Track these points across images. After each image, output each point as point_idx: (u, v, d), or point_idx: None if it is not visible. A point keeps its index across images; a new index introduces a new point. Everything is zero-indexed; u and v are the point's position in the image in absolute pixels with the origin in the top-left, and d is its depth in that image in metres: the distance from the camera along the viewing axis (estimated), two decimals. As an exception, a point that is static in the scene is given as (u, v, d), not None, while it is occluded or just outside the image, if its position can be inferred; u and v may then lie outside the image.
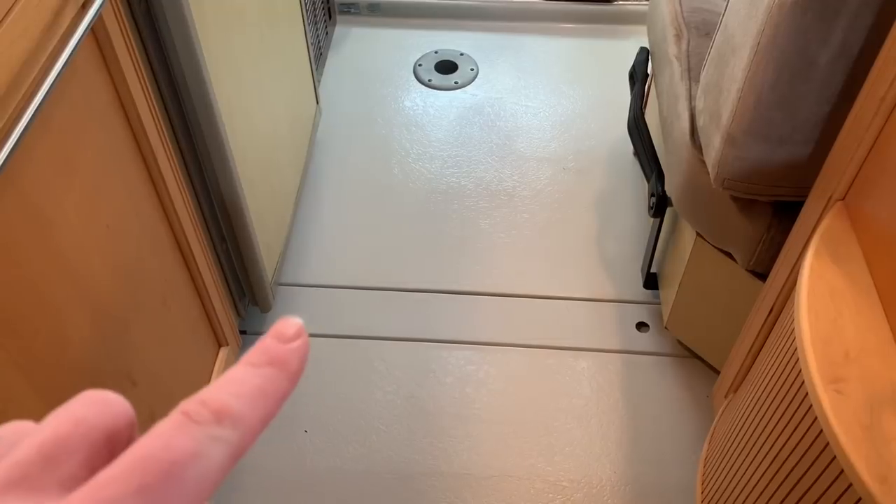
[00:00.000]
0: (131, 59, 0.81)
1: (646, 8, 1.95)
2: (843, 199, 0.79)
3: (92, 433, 0.21)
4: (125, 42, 0.79)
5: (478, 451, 1.20)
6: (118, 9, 0.77)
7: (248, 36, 1.11)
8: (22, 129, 0.60)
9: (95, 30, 0.75)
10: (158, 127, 0.89)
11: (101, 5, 0.70)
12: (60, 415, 0.21)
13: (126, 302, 0.85)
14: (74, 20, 0.70)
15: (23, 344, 0.67)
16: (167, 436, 0.19)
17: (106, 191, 0.80)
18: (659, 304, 1.38)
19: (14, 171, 0.64)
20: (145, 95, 0.85)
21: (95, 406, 0.21)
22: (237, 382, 0.21)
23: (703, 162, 1.00)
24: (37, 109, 0.62)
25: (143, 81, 0.84)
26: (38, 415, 0.65)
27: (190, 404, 0.20)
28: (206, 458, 0.19)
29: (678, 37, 1.15)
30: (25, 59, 0.64)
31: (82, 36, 0.68)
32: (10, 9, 0.62)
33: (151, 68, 0.88)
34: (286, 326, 0.22)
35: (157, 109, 0.88)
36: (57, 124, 0.70)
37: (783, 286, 0.91)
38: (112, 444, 0.21)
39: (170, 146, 0.93)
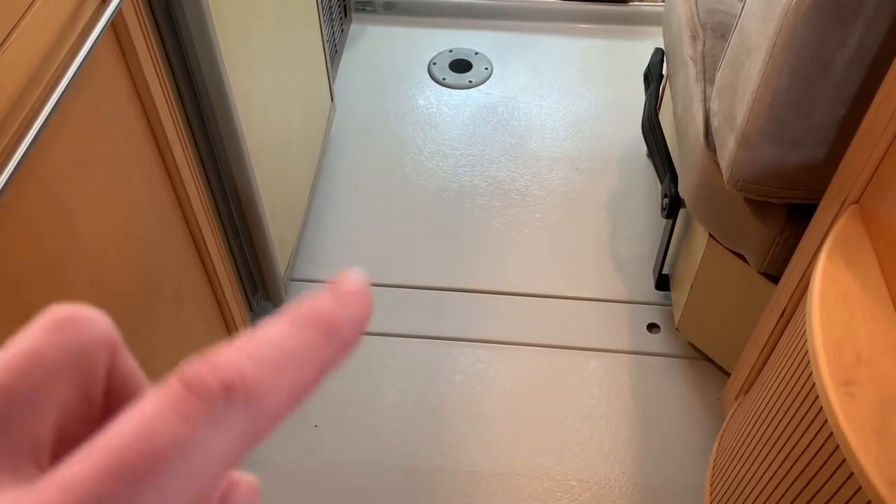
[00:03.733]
0: (150, 53, 0.82)
1: (661, 9, 1.95)
2: (857, 202, 0.78)
3: (56, 373, 0.16)
4: (144, 37, 0.80)
5: (487, 449, 1.20)
6: (138, 3, 0.78)
7: (265, 32, 1.12)
8: (43, 120, 0.61)
9: (115, 24, 0.76)
10: (175, 121, 0.90)
11: (121, 0, 0.71)
12: (12, 348, 0.16)
13: (141, 293, 0.86)
14: (95, 14, 0.71)
15: (40, 333, 0.68)
16: (154, 418, 0.14)
17: (123, 183, 0.81)
18: (670, 305, 1.38)
19: (34, 162, 0.65)
20: (163, 90, 0.86)
21: (59, 332, 0.16)
22: (266, 342, 0.15)
23: (717, 163, 0.99)
24: (57, 102, 0.63)
25: (160, 76, 0.85)
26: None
27: (194, 368, 0.15)
28: (205, 448, 0.14)
29: (694, 38, 1.15)
30: (46, 52, 0.65)
31: (102, 30, 0.68)
32: (33, 2, 0.63)
33: (169, 63, 0.89)
34: (347, 280, 0.17)
35: (174, 104, 0.89)
36: (76, 117, 0.71)
37: (795, 289, 0.91)
38: (86, 384, 0.16)
39: (186, 140, 0.93)
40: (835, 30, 0.75)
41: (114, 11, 0.70)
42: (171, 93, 0.88)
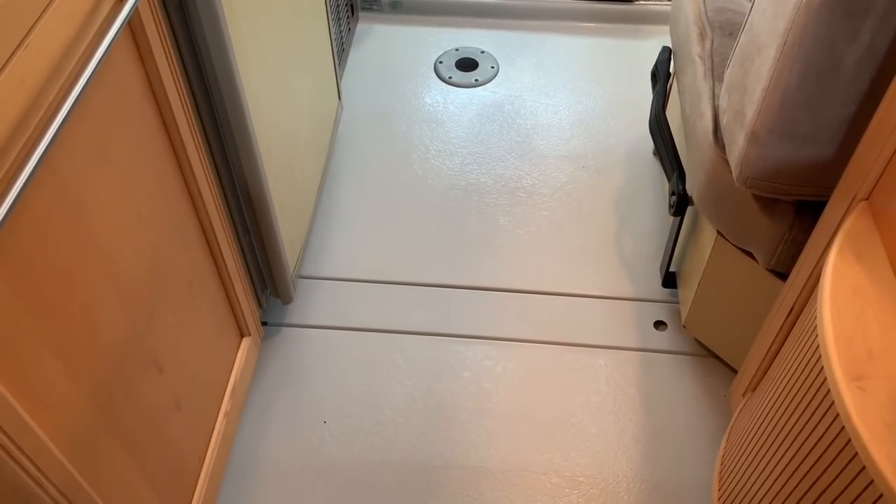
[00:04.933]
0: (164, 52, 0.82)
1: (667, 8, 1.95)
2: (867, 198, 0.79)
3: None
4: (159, 36, 0.81)
5: (495, 445, 1.21)
6: (153, 2, 0.79)
7: (276, 31, 1.13)
8: (62, 117, 0.61)
9: (131, 23, 0.76)
10: (188, 119, 0.90)
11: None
12: None
13: (154, 289, 0.87)
14: (111, 13, 0.72)
15: (58, 328, 0.68)
16: None
17: (138, 179, 0.81)
18: (677, 302, 1.38)
19: (53, 158, 0.66)
20: (177, 88, 0.86)
21: None
22: None
23: (726, 161, 1.00)
24: (76, 100, 0.63)
25: (175, 74, 0.86)
26: (71, 399, 0.67)
27: None
28: None
29: (702, 36, 1.15)
30: (64, 50, 0.65)
31: (119, 28, 0.69)
32: (51, 1, 0.63)
33: (183, 62, 0.90)
34: None
35: (187, 102, 0.90)
36: (93, 114, 0.72)
37: (804, 285, 0.91)
38: None
39: (199, 138, 0.94)
40: (846, 26, 0.76)
41: (130, 11, 0.71)
42: (184, 91, 0.89)
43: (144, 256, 0.84)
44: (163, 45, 0.82)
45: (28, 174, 0.57)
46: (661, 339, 1.34)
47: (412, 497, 1.15)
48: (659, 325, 1.36)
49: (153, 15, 0.79)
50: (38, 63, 0.62)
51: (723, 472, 1.05)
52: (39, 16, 0.62)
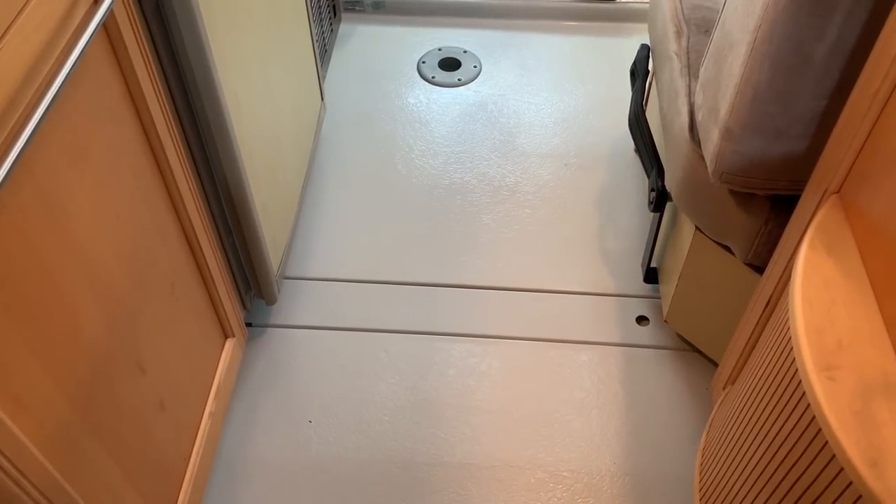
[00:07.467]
0: (141, 54, 0.83)
1: (647, 6, 1.97)
2: (837, 191, 0.80)
3: None
4: (136, 37, 0.81)
5: (479, 442, 1.22)
6: (129, 4, 0.79)
7: (255, 32, 1.13)
8: (37, 120, 0.62)
9: (107, 25, 0.77)
10: (167, 120, 0.91)
11: (112, 1, 0.72)
12: None
13: (135, 290, 0.87)
14: (87, 15, 0.72)
15: (38, 329, 0.69)
16: None
17: (117, 181, 0.82)
18: (659, 298, 1.39)
19: (30, 160, 0.66)
20: (155, 90, 0.87)
21: None
22: None
23: (702, 157, 1.01)
24: (51, 101, 0.63)
25: (152, 76, 0.86)
26: (52, 400, 0.67)
27: None
28: None
29: (678, 34, 1.17)
30: (40, 53, 0.66)
31: (94, 31, 0.69)
32: (27, 3, 0.64)
33: (161, 63, 0.90)
34: None
35: (166, 103, 0.90)
36: (70, 116, 0.72)
37: (780, 278, 0.93)
38: None
39: (178, 139, 0.94)
40: (813, 23, 0.77)
41: (105, 12, 0.71)
42: (162, 92, 0.89)
43: (125, 258, 0.84)
44: (139, 46, 0.82)
45: (3, 176, 0.58)
46: (644, 334, 1.36)
47: (398, 494, 1.16)
48: (641, 320, 1.38)
49: (129, 17, 0.79)
50: (13, 65, 0.62)
51: (703, 465, 1.06)
52: (14, 18, 0.62)
